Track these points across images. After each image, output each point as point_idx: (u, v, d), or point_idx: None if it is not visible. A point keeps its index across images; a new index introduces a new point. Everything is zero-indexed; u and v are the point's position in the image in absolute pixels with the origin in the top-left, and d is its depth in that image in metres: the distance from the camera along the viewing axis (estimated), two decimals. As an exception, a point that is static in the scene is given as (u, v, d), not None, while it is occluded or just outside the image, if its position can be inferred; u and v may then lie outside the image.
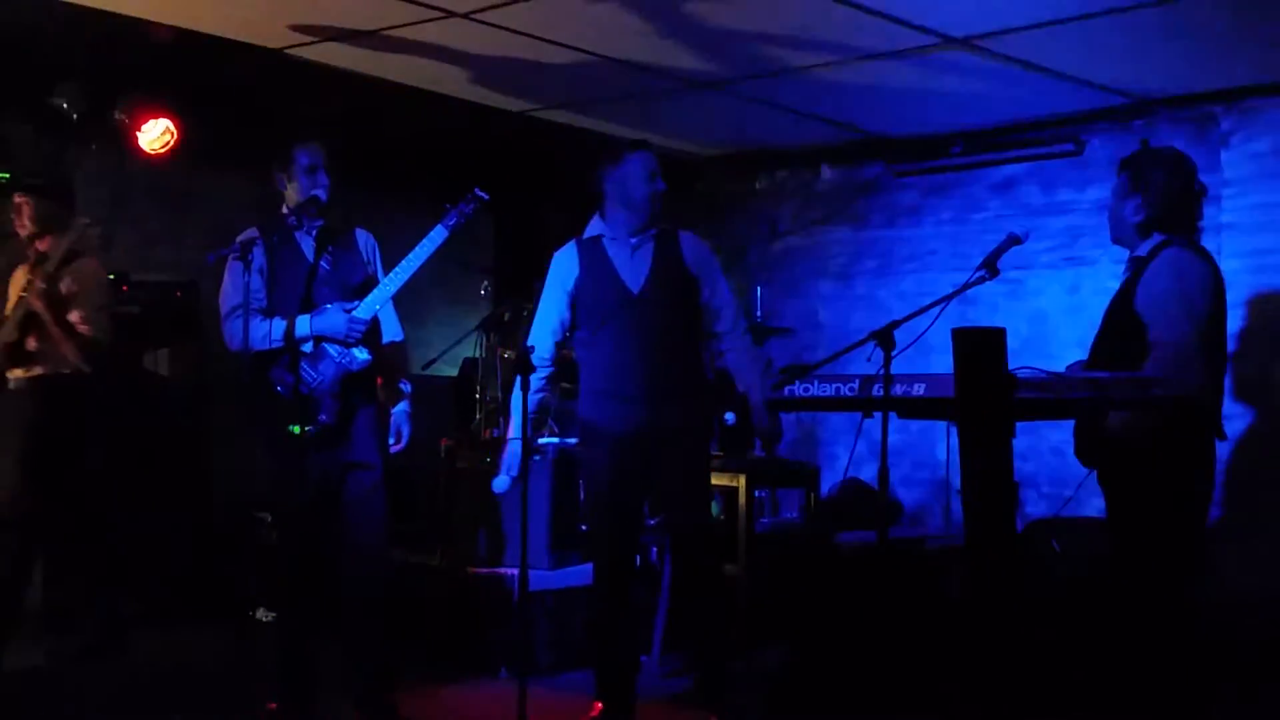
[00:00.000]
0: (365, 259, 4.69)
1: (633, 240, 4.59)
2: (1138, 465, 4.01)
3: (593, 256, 4.59)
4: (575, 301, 4.59)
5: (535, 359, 4.46)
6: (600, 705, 4.56)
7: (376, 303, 4.53)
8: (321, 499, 4.52)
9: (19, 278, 5.34)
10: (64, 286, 5.19)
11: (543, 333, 4.64)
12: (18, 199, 5.31)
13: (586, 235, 4.64)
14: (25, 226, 5.30)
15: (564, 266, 4.62)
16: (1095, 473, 4.17)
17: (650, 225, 4.61)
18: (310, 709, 4.51)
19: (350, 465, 4.53)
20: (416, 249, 4.53)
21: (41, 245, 5.29)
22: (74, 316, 5.18)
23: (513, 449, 4.58)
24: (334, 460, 4.50)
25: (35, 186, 5.34)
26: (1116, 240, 4.33)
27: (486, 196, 4.60)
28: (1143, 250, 4.19)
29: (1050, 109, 6.27)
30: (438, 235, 4.55)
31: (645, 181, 4.57)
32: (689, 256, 4.61)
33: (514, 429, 4.60)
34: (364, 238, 4.72)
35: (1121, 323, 4.14)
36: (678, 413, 4.52)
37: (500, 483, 4.62)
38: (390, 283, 4.55)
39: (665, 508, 4.81)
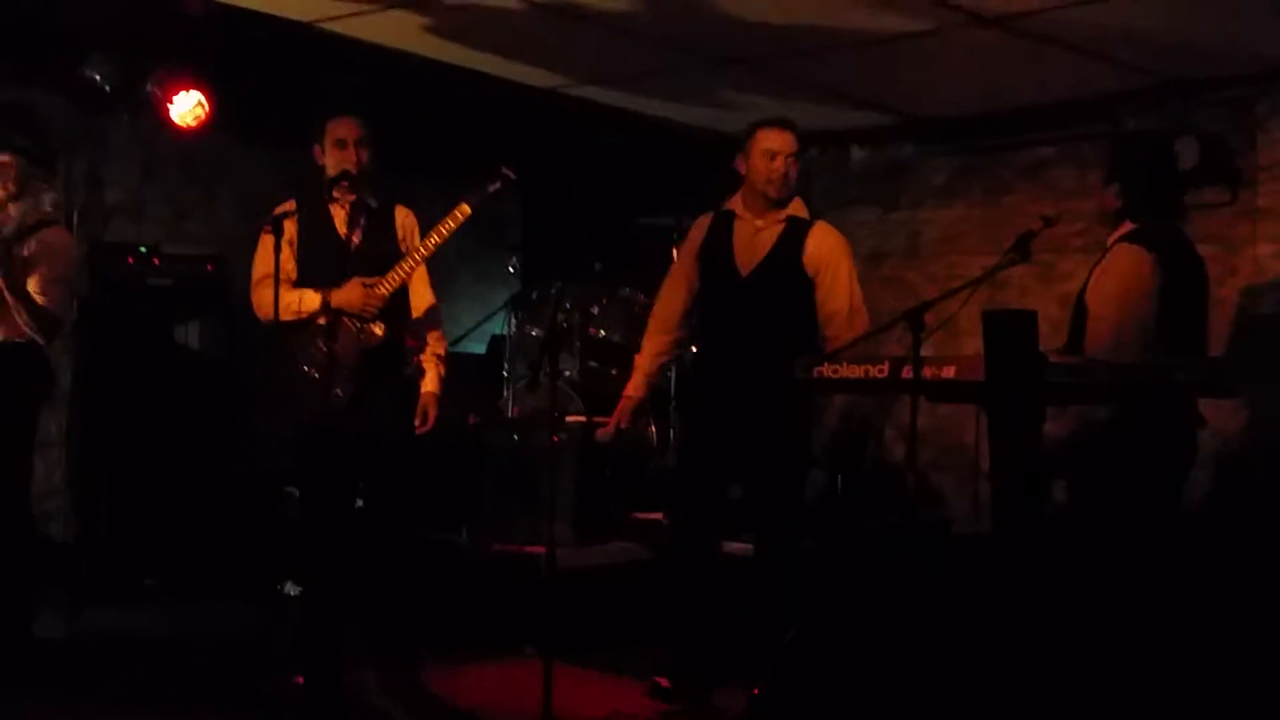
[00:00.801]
0: (400, 235, 4.68)
1: (759, 222, 4.56)
2: (1120, 454, 4.01)
3: (719, 230, 4.62)
4: (700, 270, 4.66)
5: (653, 320, 4.71)
6: (665, 680, 4.57)
7: (396, 278, 4.52)
8: (343, 474, 4.54)
9: None
10: (25, 250, 5.10)
11: (666, 296, 4.76)
12: (3, 158, 5.22)
13: (726, 206, 4.65)
14: (6, 188, 5.20)
15: (695, 234, 4.71)
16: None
17: (775, 207, 4.55)
18: (335, 682, 4.54)
19: (372, 441, 4.53)
20: (439, 226, 4.52)
21: (13, 209, 5.20)
22: (31, 285, 5.08)
23: (624, 405, 4.80)
24: (356, 435, 4.51)
25: (22, 148, 5.26)
26: (1103, 224, 4.37)
27: (514, 176, 4.58)
28: (1110, 239, 4.23)
29: (1084, 91, 6.20)
30: (462, 213, 4.52)
31: (765, 158, 4.51)
32: (810, 251, 4.53)
33: (631, 386, 4.80)
34: (402, 214, 4.71)
35: (1079, 311, 4.18)
36: (763, 406, 4.48)
37: (604, 433, 4.87)
38: (411, 259, 4.54)
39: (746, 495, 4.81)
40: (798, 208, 4.64)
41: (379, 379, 4.55)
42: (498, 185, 4.54)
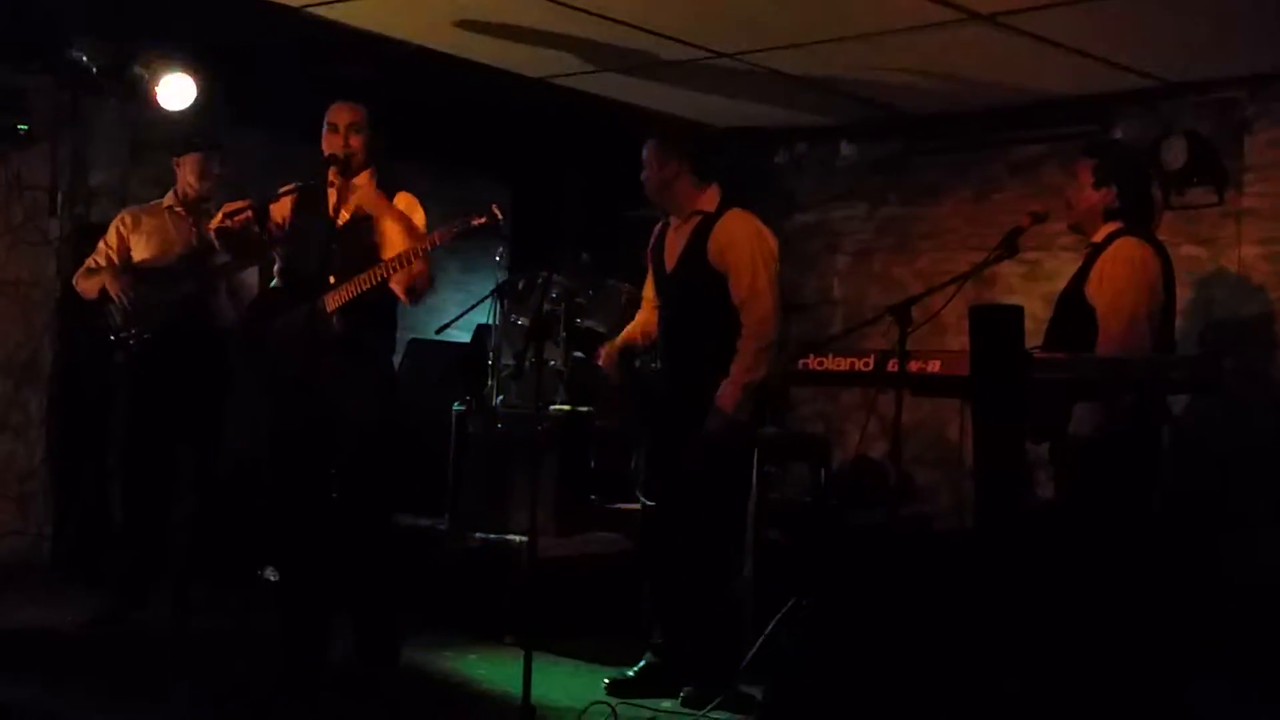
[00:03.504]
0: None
1: (677, 219, 4.70)
2: (1110, 451, 4.03)
3: (663, 228, 4.80)
4: (651, 268, 4.87)
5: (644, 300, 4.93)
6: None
7: (358, 286, 4.43)
8: (307, 457, 4.53)
9: None
10: None
11: (646, 284, 4.95)
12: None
13: None
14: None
15: (654, 232, 4.88)
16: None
17: (668, 209, 4.69)
18: (318, 666, 4.53)
19: (333, 426, 4.52)
20: (407, 249, 4.43)
21: None
22: None
23: (606, 347, 4.99)
24: (317, 419, 4.50)
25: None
26: (1074, 226, 4.40)
27: (500, 217, 4.41)
28: (1099, 236, 4.26)
29: (1075, 89, 6.21)
30: (432, 241, 4.42)
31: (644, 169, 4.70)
32: (713, 244, 4.58)
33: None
34: (403, 201, 4.65)
35: (1074, 309, 4.19)
36: (684, 399, 4.55)
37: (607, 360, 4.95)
38: (372, 273, 4.43)
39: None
40: (706, 201, 4.66)
41: (338, 366, 4.49)
42: (483, 221, 4.39)
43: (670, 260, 4.69)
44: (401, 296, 4.56)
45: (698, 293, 4.57)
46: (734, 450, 4.57)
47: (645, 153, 4.69)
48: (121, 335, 5.36)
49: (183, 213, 5.52)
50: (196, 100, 6.08)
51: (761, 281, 4.50)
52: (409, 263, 4.41)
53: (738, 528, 4.75)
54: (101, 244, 5.54)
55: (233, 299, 5.44)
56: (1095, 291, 4.16)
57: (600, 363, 4.97)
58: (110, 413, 5.62)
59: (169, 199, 5.57)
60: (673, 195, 4.67)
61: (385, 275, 4.43)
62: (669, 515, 4.64)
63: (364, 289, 4.44)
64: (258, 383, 4.73)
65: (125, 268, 5.45)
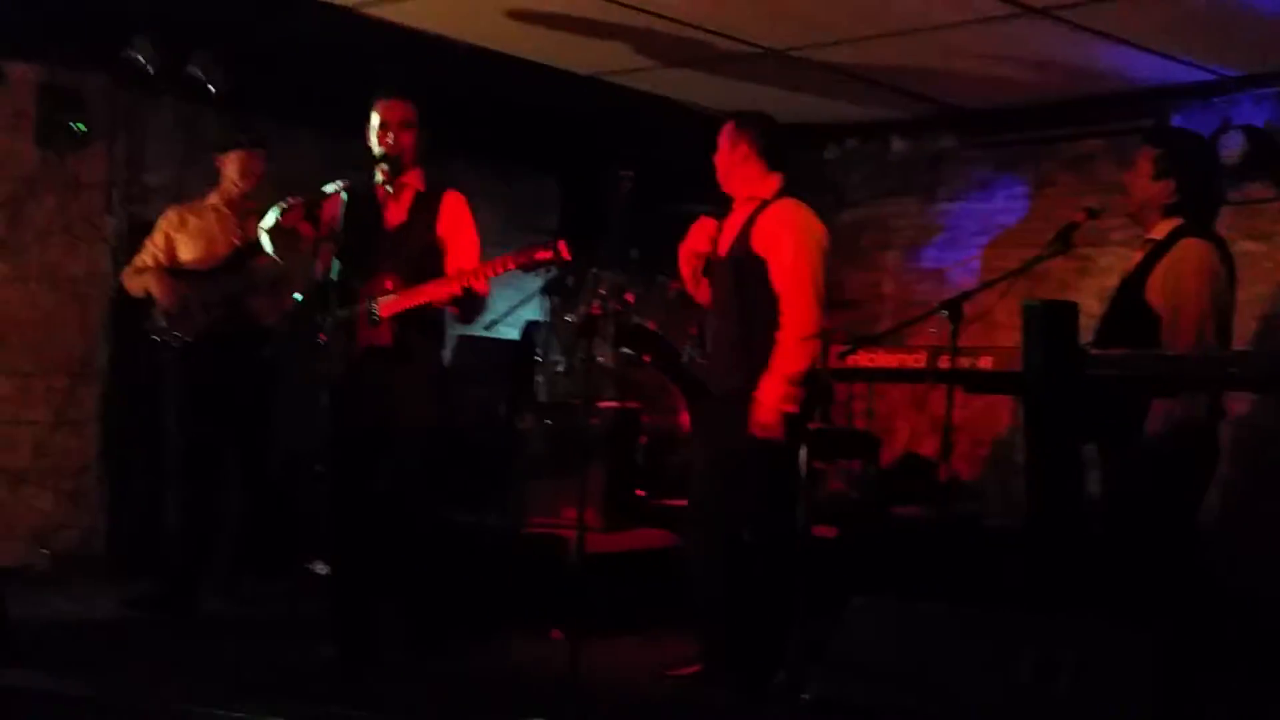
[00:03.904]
0: (443, 222, 4.64)
1: (738, 206, 4.64)
2: (1182, 449, 3.97)
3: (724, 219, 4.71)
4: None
5: None
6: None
7: (398, 308, 4.46)
8: (360, 455, 4.57)
9: None
10: None
11: None
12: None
13: None
14: None
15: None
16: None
17: (733, 193, 4.63)
18: (368, 658, 4.57)
19: (385, 427, 4.55)
20: (478, 268, 4.46)
21: None
22: None
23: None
24: (369, 419, 4.54)
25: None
26: (1134, 215, 4.30)
27: (569, 257, 4.36)
28: (1159, 233, 4.15)
29: (1129, 83, 6.13)
30: (504, 265, 4.41)
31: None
32: (759, 230, 4.53)
33: None
34: (451, 200, 4.67)
35: (1134, 307, 4.10)
36: (727, 389, 4.53)
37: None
38: (431, 288, 4.44)
39: None
40: (766, 188, 4.60)
41: (388, 370, 4.53)
42: (548, 256, 4.35)
43: (723, 246, 4.63)
44: (457, 313, 4.58)
45: (742, 279, 4.50)
46: (780, 444, 4.52)
47: (720, 136, 4.65)
48: (165, 336, 5.42)
49: (227, 212, 5.57)
50: (245, 98, 6.12)
51: (804, 271, 4.41)
52: (471, 283, 4.41)
53: (783, 522, 4.70)
54: (148, 243, 5.60)
55: (274, 297, 5.48)
56: (1159, 295, 4.05)
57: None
58: (159, 411, 5.66)
59: (213, 197, 5.61)
60: (739, 178, 4.61)
61: (455, 293, 4.40)
62: (709, 510, 4.62)
63: (422, 302, 4.45)
64: (306, 380, 4.75)
65: (171, 268, 5.51)
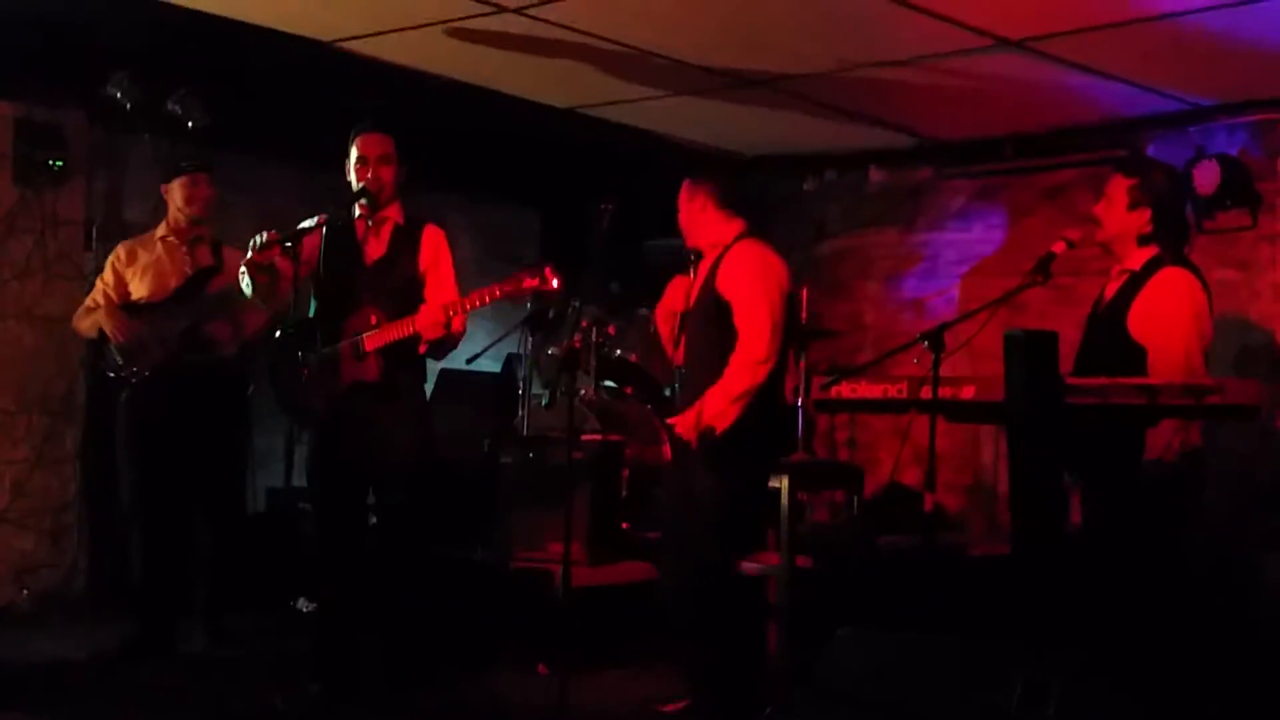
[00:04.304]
0: (425, 256, 4.65)
1: (706, 256, 4.71)
2: (1176, 477, 3.97)
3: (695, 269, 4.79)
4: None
5: None
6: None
7: (382, 341, 4.47)
8: (348, 491, 4.57)
9: None
10: None
11: None
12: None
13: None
14: None
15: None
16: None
17: (699, 245, 4.72)
18: (351, 695, 4.54)
19: (372, 462, 4.54)
20: (463, 299, 4.49)
21: None
22: None
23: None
24: (355, 454, 4.53)
25: None
26: (1106, 245, 4.29)
27: (557, 288, 4.39)
28: (1135, 263, 4.16)
29: (1104, 114, 6.19)
30: (491, 295, 4.42)
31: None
32: (722, 275, 4.59)
33: None
34: (430, 234, 4.69)
35: (1112, 337, 4.11)
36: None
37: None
38: (413, 322, 4.45)
39: None
40: (728, 233, 4.66)
41: (373, 404, 4.53)
42: (535, 284, 4.37)
43: (693, 296, 4.71)
44: (424, 351, 4.57)
45: (710, 325, 4.57)
46: (737, 467, 4.53)
47: (680, 195, 4.76)
48: (122, 374, 5.37)
49: (176, 241, 5.50)
50: (223, 133, 6.11)
51: (760, 301, 4.49)
52: (455, 314, 4.42)
53: (742, 545, 4.70)
54: (99, 281, 5.56)
55: (234, 325, 5.43)
56: (1142, 325, 4.05)
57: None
58: (114, 450, 5.58)
59: (161, 229, 5.54)
60: (701, 228, 4.72)
61: (441, 322, 4.41)
62: (678, 537, 4.66)
63: (406, 335, 4.45)
64: (289, 417, 4.75)
65: (124, 304, 5.46)
